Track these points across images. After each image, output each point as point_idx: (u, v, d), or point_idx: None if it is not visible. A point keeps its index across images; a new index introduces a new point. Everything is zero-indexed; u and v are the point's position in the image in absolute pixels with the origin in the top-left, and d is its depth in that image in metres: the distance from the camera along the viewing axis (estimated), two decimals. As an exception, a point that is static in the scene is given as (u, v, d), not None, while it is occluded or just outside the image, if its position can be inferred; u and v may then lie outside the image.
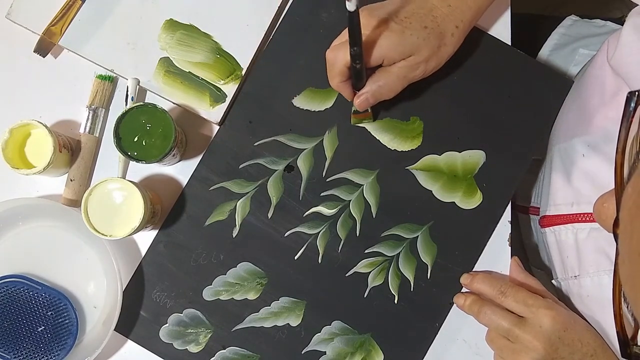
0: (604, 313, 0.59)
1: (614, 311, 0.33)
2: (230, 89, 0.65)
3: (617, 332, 0.33)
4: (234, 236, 0.65)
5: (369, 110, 0.63)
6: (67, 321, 0.62)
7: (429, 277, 0.64)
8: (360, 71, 0.55)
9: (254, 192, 0.65)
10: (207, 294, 0.64)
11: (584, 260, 0.60)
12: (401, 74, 0.57)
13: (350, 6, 0.46)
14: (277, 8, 0.66)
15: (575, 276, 0.62)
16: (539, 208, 0.70)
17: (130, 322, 0.64)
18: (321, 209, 0.65)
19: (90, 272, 0.64)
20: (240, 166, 0.65)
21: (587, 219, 0.60)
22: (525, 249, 0.78)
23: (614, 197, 0.33)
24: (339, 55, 0.55)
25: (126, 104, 0.63)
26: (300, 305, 0.64)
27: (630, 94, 0.33)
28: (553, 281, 0.67)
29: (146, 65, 0.65)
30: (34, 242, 0.64)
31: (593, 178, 0.61)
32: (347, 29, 0.58)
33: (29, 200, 0.63)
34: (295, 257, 0.65)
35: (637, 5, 0.59)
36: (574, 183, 0.63)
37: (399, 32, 0.54)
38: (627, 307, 0.31)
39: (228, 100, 0.65)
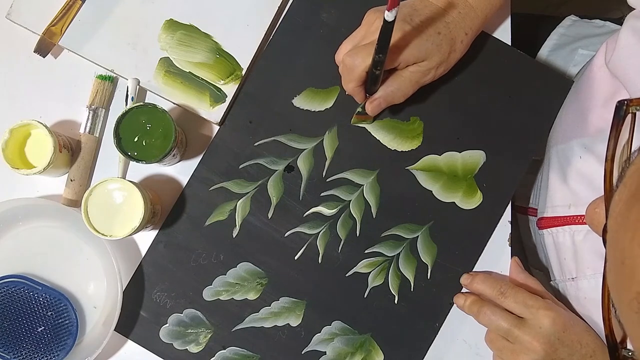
0: (601, 315, 0.59)
1: (602, 315, 0.33)
2: (230, 89, 0.65)
3: (606, 336, 0.33)
4: (234, 236, 0.65)
5: None
6: (67, 321, 0.62)
7: (429, 277, 0.64)
8: (378, 77, 0.55)
9: (254, 192, 0.65)
10: (207, 294, 0.64)
11: (581, 262, 0.61)
12: (414, 79, 0.57)
13: (390, 16, 0.46)
14: (277, 8, 0.66)
15: (572, 278, 0.62)
16: (537, 209, 0.70)
17: (130, 322, 0.64)
18: (321, 209, 0.65)
19: (90, 272, 0.64)
20: (240, 166, 0.65)
21: (584, 221, 0.60)
22: (525, 250, 0.78)
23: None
24: (357, 60, 0.54)
25: (126, 104, 0.63)
26: (300, 305, 0.64)
27: (619, 103, 0.33)
28: (551, 282, 0.67)
29: (146, 65, 0.65)
30: (34, 242, 0.64)
31: (590, 180, 0.61)
32: (357, 30, 0.58)
33: (29, 200, 0.63)
34: (295, 257, 0.65)
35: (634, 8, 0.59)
36: (571, 185, 0.63)
37: (415, 37, 0.54)
38: (615, 312, 0.31)
39: (228, 100, 0.65)
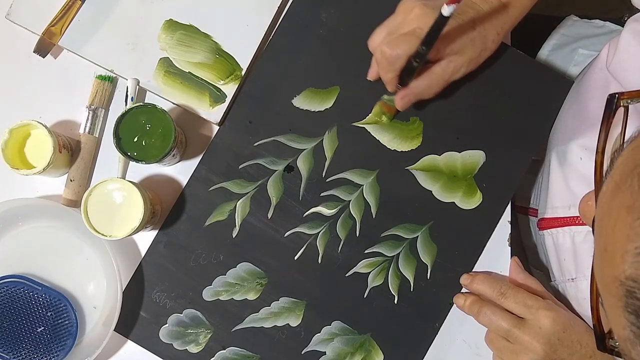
0: None
1: (590, 305, 0.34)
2: (230, 89, 0.65)
3: (594, 326, 0.33)
4: (234, 236, 0.65)
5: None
6: (66, 322, 0.62)
7: (429, 277, 0.64)
8: (415, 69, 0.54)
9: (254, 192, 0.65)
10: (207, 294, 0.64)
11: (581, 263, 0.61)
12: (445, 76, 0.57)
13: (447, 11, 0.46)
14: (277, 8, 0.66)
15: (572, 279, 0.62)
16: (537, 209, 0.70)
17: (130, 322, 0.64)
18: (321, 209, 0.65)
19: (90, 272, 0.64)
20: (240, 166, 0.65)
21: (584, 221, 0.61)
22: (525, 250, 0.78)
23: None
24: (399, 50, 0.53)
25: (126, 104, 0.63)
26: (300, 305, 0.64)
27: (610, 96, 0.34)
28: (551, 283, 0.67)
29: (146, 65, 0.65)
30: (34, 242, 0.64)
31: (590, 181, 0.60)
32: (392, 17, 0.57)
33: (29, 200, 0.63)
34: (295, 257, 0.65)
35: (639, 11, 0.59)
36: (571, 186, 0.63)
37: (451, 28, 0.54)
38: (601, 301, 0.32)
39: (228, 100, 0.65)
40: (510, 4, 0.58)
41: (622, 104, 0.34)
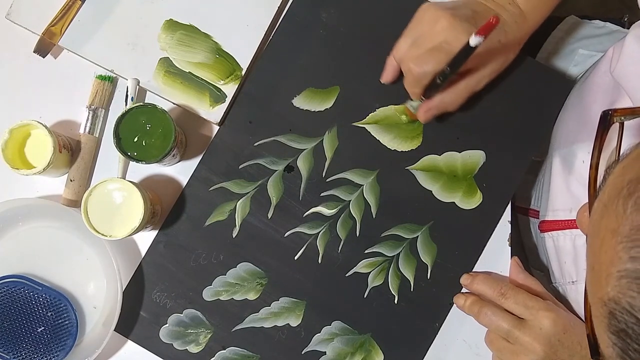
0: None
1: (585, 315, 0.34)
2: (230, 89, 0.65)
3: (588, 335, 0.34)
4: (234, 236, 0.65)
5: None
6: (67, 322, 0.62)
7: (429, 277, 0.64)
8: (439, 86, 0.55)
9: (254, 192, 0.65)
10: (207, 294, 0.64)
11: (582, 266, 0.60)
12: (469, 89, 0.58)
13: (474, 42, 0.46)
14: (277, 8, 0.66)
15: (572, 282, 0.62)
16: (538, 211, 0.70)
17: (130, 322, 0.64)
18: (321, 209, 0.65)
19: (90, 272, 0.64)
20: (240, 166, 0.65)
21: None
22: (525, 250, 0.78)
23: None
24: (426, 68, 0.54)
25: (126, 104, 0.63)
26: (300, 305, 0.64)
27: (604, 113, 0.35)
28: (551, 285, 0.67)
29: (146, 65, 0.64)
30: (34, 242, 0.64)
31: None
32: (414, 25, 0.57)
33: (29, 200, 0.63)
34: (295, 257, 0.65)
35: None
36: (572, 189, 0.63)
37: (482, 47, 0.54)
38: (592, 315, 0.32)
39: (228, 100, 0.65)
40: (530, 16, 0.58)
41: (615, 121, 0.35)
